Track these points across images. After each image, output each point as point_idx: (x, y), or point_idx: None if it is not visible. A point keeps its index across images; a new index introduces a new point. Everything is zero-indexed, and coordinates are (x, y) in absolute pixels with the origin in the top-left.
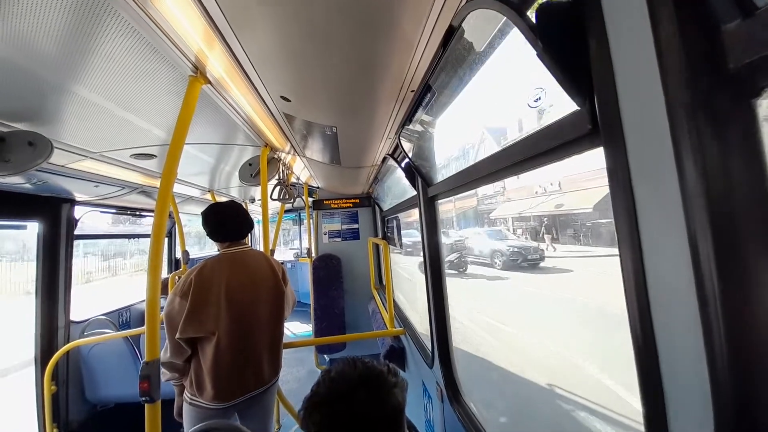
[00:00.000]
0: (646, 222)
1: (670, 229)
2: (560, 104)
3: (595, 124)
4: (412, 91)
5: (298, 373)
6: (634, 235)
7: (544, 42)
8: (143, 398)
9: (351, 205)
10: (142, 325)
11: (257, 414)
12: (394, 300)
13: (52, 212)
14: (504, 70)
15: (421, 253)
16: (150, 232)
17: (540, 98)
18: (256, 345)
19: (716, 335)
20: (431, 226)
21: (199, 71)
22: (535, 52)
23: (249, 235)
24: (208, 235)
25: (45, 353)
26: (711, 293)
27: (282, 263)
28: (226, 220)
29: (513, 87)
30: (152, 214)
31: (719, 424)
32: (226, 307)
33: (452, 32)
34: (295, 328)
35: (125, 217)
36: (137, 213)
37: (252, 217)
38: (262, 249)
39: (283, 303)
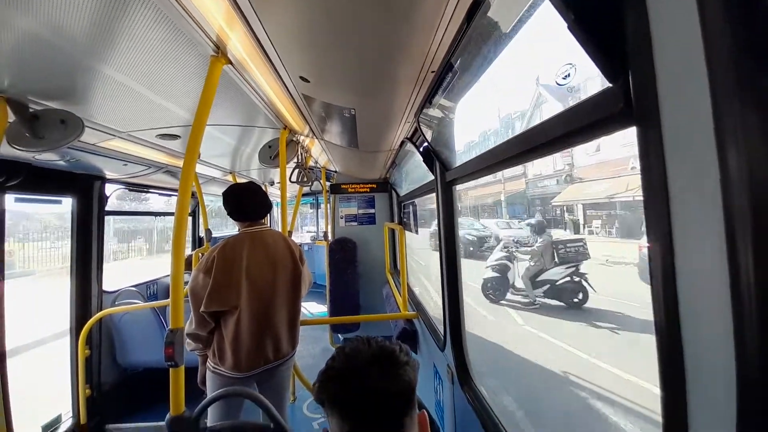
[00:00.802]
0: (679, 209)
1: (706, 218)
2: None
3: (629, 102)
4: (433, 71)
5: (313, 350)
6: (665, 222)
7: (576, 13)
8: (168, 363)
9: (368, 189)
10: (167, 297)
11: (275, 385)
12: (408, 284)
13: (85, 189)
14: (532, 47)
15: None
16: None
17: (569, 75)
18: (274, 320)
19: (748, 334)
20: (448, 210)
21: (220, 51)
22: (566, 25)
23: (268, 216)
24: (228, 214)
25: (79, 320)
26: (746, 291)
27: (300, 245)
28: (246, 201)
29: (541, 64)
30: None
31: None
32: (247, 283)
33: (477, 7)
34: (312, 308)
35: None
36: (163, 192)
37: (271, 199)
38: (280, 230)
39: (299, 282)
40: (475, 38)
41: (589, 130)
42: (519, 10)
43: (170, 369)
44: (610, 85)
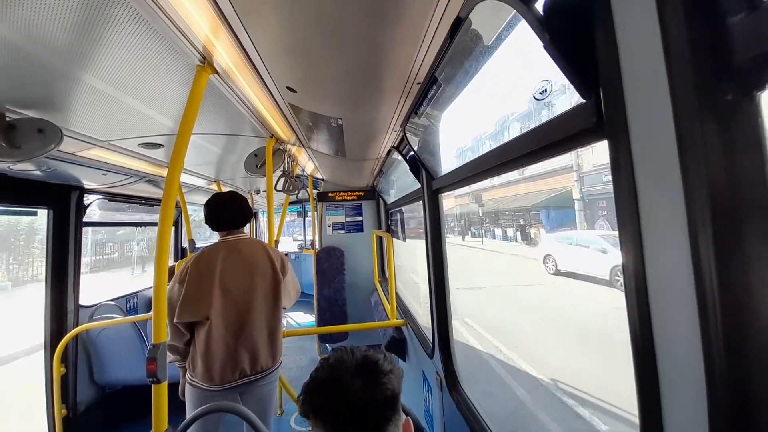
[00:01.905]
0: (647, 215)
1: (672, 223)
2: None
3: (600, 117)
4: (418, 83)
5: (300, 362)
6: (636, 228)
7: (551, 34)
8: (150, 379)
9: (355, 197)
10: (149, 311)
11: (257, 399)
12: (396, 292)
13: (62, 199)
14: (511, 63)
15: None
16: (157, 221)
17: (546, 90)
18: (250, 331)
19: (713, 331)
20: (435, 218)
21: (206, 61)
22: (542, 44)
23: (249, 224)
24: (206, 223)
25: (54, 336)
26: (709, 288)
27: (286, 254)
28: (222, 210)
29: (520, 80)
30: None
31: (714, 421)
32: (220, 293)
33: (459, 24)
34: (299, 318)
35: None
36: (144, 202)
37: (253, 207)
38: (266, 239)
39: (279, 292)
40: (458, 54)
41: (566, 143)
42: (499, 30)
43: (152, 386)
44: (584, 101)
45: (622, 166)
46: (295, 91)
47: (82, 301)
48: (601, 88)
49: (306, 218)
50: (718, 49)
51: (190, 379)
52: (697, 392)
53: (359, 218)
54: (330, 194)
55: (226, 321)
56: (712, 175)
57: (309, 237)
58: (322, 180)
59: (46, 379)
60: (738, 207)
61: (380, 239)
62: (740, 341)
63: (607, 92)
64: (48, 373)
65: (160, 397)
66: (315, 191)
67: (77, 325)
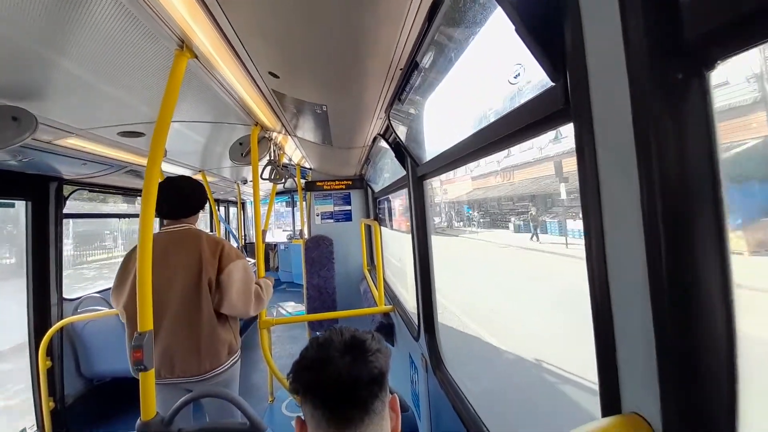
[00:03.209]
0: (607, 191)
1: (627, 196)
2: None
3: (567, 99)
4: (401, 69)
5: (291, 350)
6: (596, 203)
7: (522, 17)
8: (137, 367)
9: (343, 186)
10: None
11: (211, 403)
12: (384, 279)
13: (40, 190)
14: (488, 47)
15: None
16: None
17: (519, 74)
18: (166, 334)
19: (663, 288)
20: (420, 205)
21: (185, 45)
22: (514, 28)
23: (238, 216)
24: None
25: (38, 330)
26: (659, 253)
27: (275, 245)
28: (163, 197)
29: (497, 63)
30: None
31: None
32: (134, 289)
33: (436, 7)
34: (290, 308)
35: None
36: (127, 193)
37: (204, 196)
38: (254, 230)
39: (203, 289)
40: (438, 38)
41: (539, 125)
42: (474, 14)
43: (140, 373)
44: (554, 84)
45: (585, 147)
46: (278, 77)
47: (65, 294)
48: (567, 72)
49: (294, 208)
50: (670, 27)
51: None
52: (648, 352)
53: (348, 207)
54: (318, 183)
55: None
56: (663, 153)
57: (298, 227)
58: (310, 169)
59: (32, 372)
60: (686, 181)
61: (369, 228)
62: (685, 303)
63: (572, 75)
64: (34, 366)
65: (147, 384)
66: (303, 180)
67: (61, 318)
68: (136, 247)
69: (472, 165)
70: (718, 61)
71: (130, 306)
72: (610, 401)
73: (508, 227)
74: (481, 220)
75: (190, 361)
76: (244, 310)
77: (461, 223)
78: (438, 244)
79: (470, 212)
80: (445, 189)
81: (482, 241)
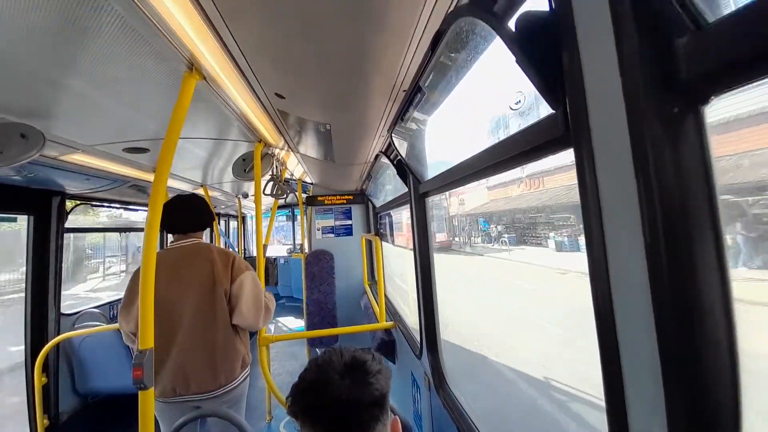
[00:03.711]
0: (608, 217)
1: (629, 224)
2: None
3: (567, 127)
4: (404, 90)
5: (291, 367)
6: (599, 229)
7: (522, 49)
8: (137, 385)
9: (344, 201)
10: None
11: (215, 423)
12: (385, 294)
13: (43, 205)
14: (489, 75)
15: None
16: (143, 227)
17: (520, 101)
18: (180, 350)
19: (666, 312)
20: (422, 222)
21: (194, 67)
22: (515, 59)
23: (238, 230)
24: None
25: (36, 345)
26: (661, 277)
27: (275, 259)
28: (170, 213)
29: (497, 90)
30: (142, 209)
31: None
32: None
33: (440, 37)
34: (290, 324)
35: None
36: (128, 207)
37: (211, 212)
38: (254, 244)
39: (216, 302)
40: (441, 65)
41: (540, 150)
42: (477, 44)
43: (139, 392)
44: (553, 111)
45: (586, 172)
46: (284, 98)
47: (64, 309)
48: (567, 100)
49: (295, 222)
50: (666, 66)
51: None
52: (654, 376)
53: (348, 222)
54: (319, 198)
55: (157, 334)
56: (661, 179)
57: (299, 241)
58: (312, 184)
59: (28, 388)
60: (686, 206)
61: (369, 242)
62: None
63: (572, 104)
64: (29, 382)
65: (147, 403)
66: (304, 195)
67: (59, 333)
68: None
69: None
70: (713, 97)
71: (156, 320)
72: (618, 426)
73: (543, 244)
74: (506, 236)
75: (205, 376)
76: (255, 321)
77: (478, 239)
78: (459, 267)
79: (488, 227)
80: (459, 200)
81: (524, 263)
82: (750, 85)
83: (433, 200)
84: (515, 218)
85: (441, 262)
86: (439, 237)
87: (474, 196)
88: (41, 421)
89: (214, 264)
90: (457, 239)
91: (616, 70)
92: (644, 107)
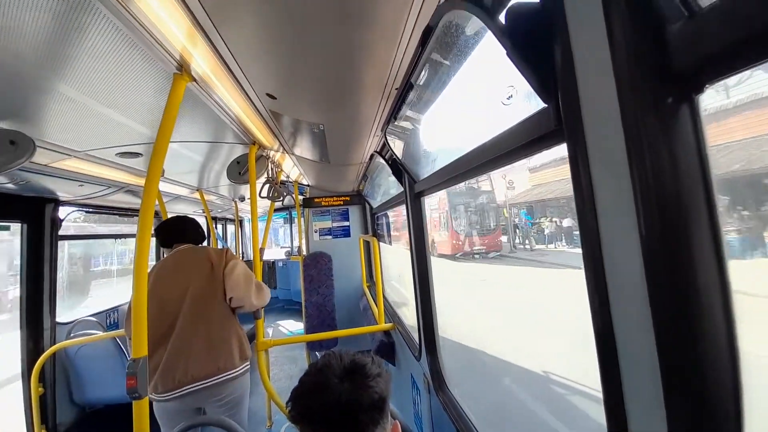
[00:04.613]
0: (603, 211)
1: (624, 217)
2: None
3: (560, 120)
4: (396, 88)
5: (290, 371)
6: (593, 222)
7: (513, 42)
8: (131, 395)
9: (341, 202)
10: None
11: (219, 408)
12: (384, 296)
13: (36, 213)
14: (481, 69)
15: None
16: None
17: (512, 96)
18: (181, 338)
19: (665, 315)
20: (418, 221)
21: (183, 69)
22: (505, 52)
23: (236, 233)
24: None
25: (31, 355)
26: (657, 270)
27: (273, 262)
28: (165, 231)
29: (490, 85)
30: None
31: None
32: (151, 300)
33: (430, 31)
34: (290, 327)
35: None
36: (124, 213)
37: (238, 216)
38: (251, 247)
39: (216, 289)
40: (432, 60)
41: (533, 145)
42: (467, 38)
43: (133, 402)
44: (546, 105)
45: (579, 167)
46: (275, 98)
47: (59, 318)
48: (559, 94)
49: (293, 225)
50: (659, 55)
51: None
52: (653, 374)
53: (346, 223)
54: (316, 200)
55: (157, 329)
56: (655, 171)
57: (296, 243)
58: (308, 186)
59: (25, 399)
60: (681, 198)
61: (367, 244)
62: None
63: (564, 97)
64: (26, 393)
65: (141, 413)
66: (301, 197)
67: (54, 343)
68: (151, 268)
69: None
70: (707, 85)
71: (156, 320)
72: (617, 424)
73: None
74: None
75: (203, 359)
76: (247, 292)
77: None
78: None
79: (531, 222)
80: (507, 182)
81: None
82: (744, 72)
83: (469, 184)
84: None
85: (502, 282)
86: (481, 239)
87: (518, 177)
88: None
89: (210, 254)
90: (504, 239)
91: (608, 60)
92: (638, 98)
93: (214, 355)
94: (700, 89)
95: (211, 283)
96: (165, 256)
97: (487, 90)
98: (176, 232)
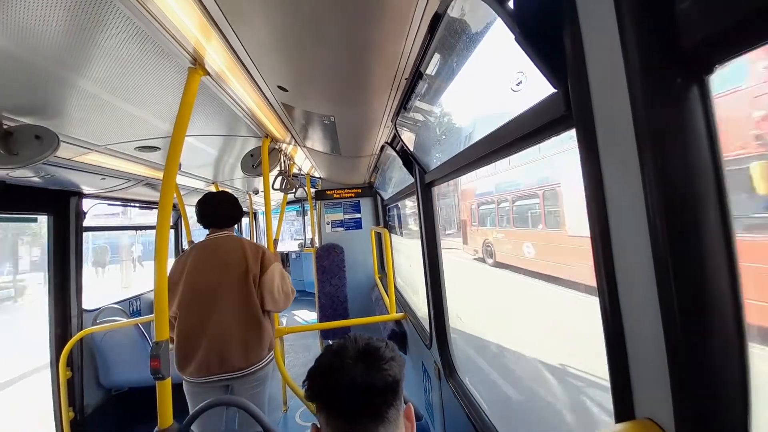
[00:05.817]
0: (612, 197)
1: (632, 202)
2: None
3: (569, 106)
4: (406, 78)
5: (304, 359)
6: (602, 208)
7: (521, 27)
8: (154, 375)
9: (353, 194)
10: (152, 313)
11: (246, 397)
12: (395, 286)
13: (61, 205)
14: (490, 56)
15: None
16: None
17: (521, 82)
18: (216, 329)
19: (672, 300)
20: (429, 212)
21: (197, 63)
22: (514, 37)
23: (250, 225)
24: (197, 221)
25: (59, 340)
26: (666, 256)
27: (287, 253)
28: (207, 210)
29: (499, 72)
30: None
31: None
32: (185, 290)
33: (438, 19)
34: (304, 316)
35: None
36: (143, 205)
37: (252, 208)
38: (265, 239)
39: (250, 286)
40: (441, 49)
41: (543, 131)
42: (475, 25)
43: (157, 382)
44: (555, 91)
45: (588, 153)
46: (287, 90)
47: (85, 306)
48: (568, 79)
49: (305, 217)
50: (669, 35)
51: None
52: (659, 356)
53: (357, 215)
54: (328, 192)
55: (191, 317)
56: (666, 156)
57: (309, 236)
58: (320, 178)
59: (53, 382)
60: (691, 183)
61: (379, 235)
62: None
63: (574, 82)
64: (54, 376)
65: (164, 393)
66: (313, 190)
67: (81, 329)
68: (184, 251)
69: None
70: (717, 66)
71: (190, 308)
72: (623, 407)
73: None
74: None
75: (238, 355)
76: (285, 304)
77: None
78: None
79: None
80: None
81: None
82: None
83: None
84: None
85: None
86: None
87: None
88: (67, 414)
89: (246, 254)
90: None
91: (617, 43)
92: (646, 80)
93: (248, 351)
94: (710, 70)
95: (246, 285)
96: (182, 242)
97: (496, 77)
98: (214, 215)
